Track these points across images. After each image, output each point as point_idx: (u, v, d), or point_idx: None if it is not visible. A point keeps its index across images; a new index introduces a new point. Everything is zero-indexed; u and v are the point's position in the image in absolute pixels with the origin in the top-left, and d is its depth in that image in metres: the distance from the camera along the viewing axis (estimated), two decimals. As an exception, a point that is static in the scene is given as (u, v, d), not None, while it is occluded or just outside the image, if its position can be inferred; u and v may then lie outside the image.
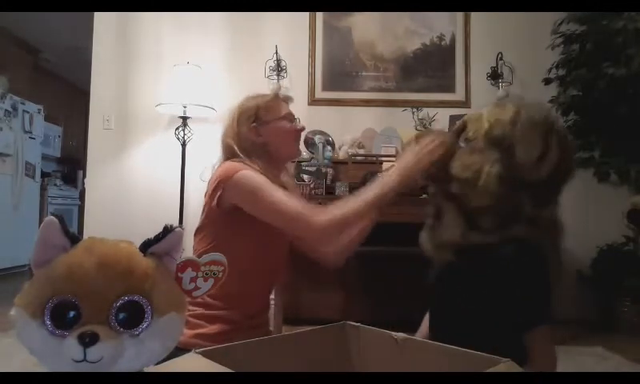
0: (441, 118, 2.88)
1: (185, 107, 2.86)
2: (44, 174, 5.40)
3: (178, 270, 0.67)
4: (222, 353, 0.64)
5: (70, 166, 6.40)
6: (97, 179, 3.16)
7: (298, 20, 3.19)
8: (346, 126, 3.10)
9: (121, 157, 3.16)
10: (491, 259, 0.92)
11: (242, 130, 1.27)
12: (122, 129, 3.17)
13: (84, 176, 3.63)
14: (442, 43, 3.20)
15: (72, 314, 0.57)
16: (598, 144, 2.90)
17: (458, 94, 3.15)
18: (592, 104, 2.80)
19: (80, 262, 0.59)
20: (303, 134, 1.99)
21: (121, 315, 0.58)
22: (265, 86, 3.03)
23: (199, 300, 1.07)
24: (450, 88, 3.16)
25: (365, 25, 3.21)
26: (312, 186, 2.67)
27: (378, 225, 1.28)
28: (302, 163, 2.71)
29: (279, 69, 3.09)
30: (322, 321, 0.88)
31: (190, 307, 1.15)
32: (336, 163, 2.89)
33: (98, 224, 3.07)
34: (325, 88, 3.19)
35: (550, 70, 2.98)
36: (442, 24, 3.19)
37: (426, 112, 2.91)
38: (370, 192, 1.11)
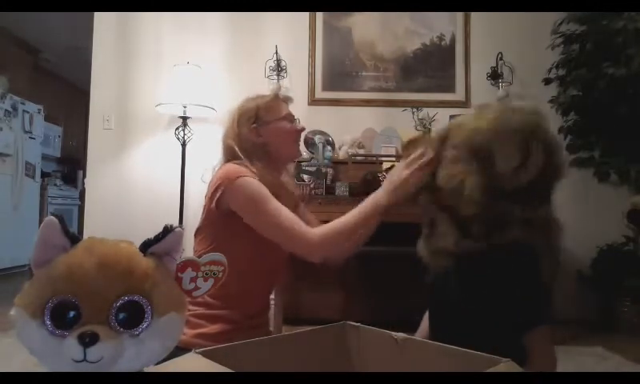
0: (441, 118, 2.88)
1: (185, 107, 2.86)
2: (44, 174, 5.40)
3: (178, 269, 0.67)
4: (221, 353, 0.64)
5: (70, 166, 6.40)
6: (97, 179, 3.16)
7: (298, 20, 3.19)
8: (346, 126, 3.10)
9: (121, 157, 3.16)
10: (486, 262, 0.92)
11: (243, 131, 1.27)
12: (122, 129, 3.17)
13: (84, 176, 3.63)
14: (442, 43, 3.20)
15: (72, 314, 0.57)
16: (598, 144, 2.90)
17: (458, 94, 3.15)
18: (592, 104, 2.81)
19: (80, 262, 0.59)
20: (303, 134, 2.00)
21: (121, 315, 0.58)
22: (265, 86, 3.03)
23: (200, 300, 1.07)
24: (450, 88, 3.16)
25: (365, 25, 3.21)
26: (312, 185, 2.67)
27: (378, 225, 1.28)
28: (302, 163, 2.71)
29: (279, 69, 3.09)
30: (322, 321, 0.88)
31: (191, 307, 1.16)
32: (336, 163, 2.89)
33: (98, 224, 3.07)
34: (325, 88, 3.19)
35: (550, 70, 2.99)
36: (441, 24, 3.19)
37: (426, 112, 2.91)
38: (363, 209, 1.14)
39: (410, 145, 1.10)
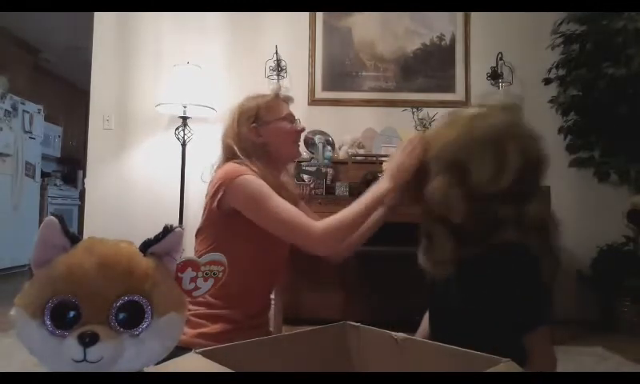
0: (441, 118, 2.88)
1: (185, 107, 2.86)
2: (44, 174, 5.40)
3: (178, 269, 0.67)
4: (221, 353, 0.64)
5: (70, 166, 6.40)
6: (97, 179, 3.16)
7: (298, 20, 3.19)
8: (346, 126, 3.10)
9: (121, 157, 3.16)
10: (484, 264, 0.92)
11: (242, 131, 1.27)
12: (122, 129, 3.17)
13: (84, 176, 3.63)
14: (442, 43, 3.20)
15: (72, 314, 0.57)
16: (598, 144, 2.91)
17: (458, 94, 3.15)
18: (592, 104, 2.81)
19: (80, 262, 0.59)
20: (303, 134, 1.99)
21: (121, 315, 0.58)
22: (265, 86, 3.03)
23: (201, 299, 1.07)
24: (450, 88, 3.16)
25: (365, 25, 3.21)
26: (312, 186, 2.67)
27: (381, 225, 1.29)
28: (302, 163, 2.70)
29: (279, 69, 3.09)
30: (322, 321, 0.88)
31: (192, 306, 1.16)
32: (336, 163, 2.89)
33: (98, 224, 3.07)
34: (325, 88, 3.19)
35: (550, 70, 2.99)
36: (441, 24, 3.19)
37: (426, 112, 2.91)
38: (366, 197, 1.14)
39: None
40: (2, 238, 4.39)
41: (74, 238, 0.62)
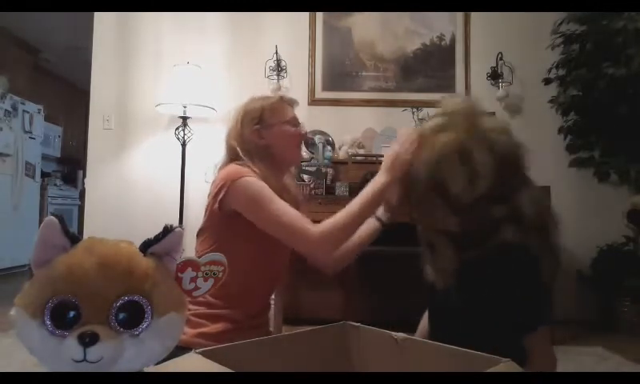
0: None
1: (185, 107, 2.86)
2: (44, 174, 5.41)
3: (178, 269, 0.67)
4: (221, 353, 0.64)
5: (70, 166, 6.40)
6: (97, 179, 3.16)
7: (298, 20, 3.19)
8: (346, 126, 3.10)
9: (121, 157, 3.16)
10: (484, 266, 0.92)
11: (245, 132, 1.27)
12: (122, 129, 3.17)
13: (84, 176, 3.63)
14: (442, 43, 3.20)
15: (72, 314, 0.57)
16: (598, 144, 2.91)
17: (458, 94, 3.14)
18: (592, 104, 2.81)
19: (80, 262, 0.59)
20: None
21: (121, 315, 0.58)
22: (265, 86, 3.04)
23: (201, 299, 1.07)
24: (450, 88, 3.16)
25: (365, 25, 3.21)
26: (312, 186, 2.67)
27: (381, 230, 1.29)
28: (302, 163, 2.71)
29: (279, 69, 3.09)
30: (322, 321, 0.88)
31: (193, 306, 1.16)
32: (336, 163, 2.89)
33: (98, 224, 3.07)
34: (325, 88, 3.19)
35: (550, 70, 2.99)
36: (442, 24, 3.19)
37: (426, 112, 2.91)
38: (364, 194, 1.13)
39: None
40: (2, 237, 4.39)
41: (74, 238, 0.62)
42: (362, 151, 3.00)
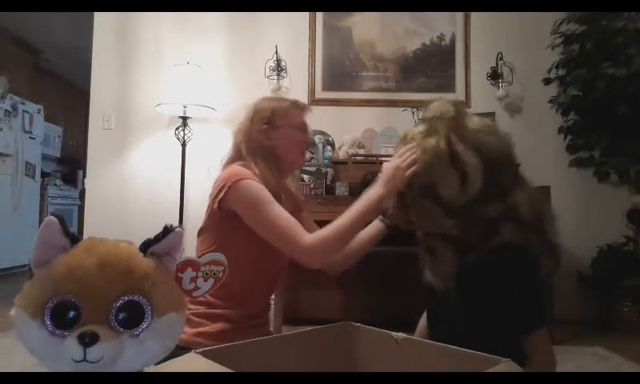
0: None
1: (185, 107, 2.86)
2: (44, 174, 5.41)
3: (178, 269, 0.67)
4: (221, 353, 0.64)
5: (70, 166, 6.40)
6: (97, 179, 3.16)
7: (298, 20, 3.19)
8: (346, 126, 3.10)
9: (121, 157, 3.16)
10: (483, 267, 0.92)
11: (253, 130, 1.27)
12: (122, 129, 3.17)
13: (84, 176, 3.63)
14: (442, 43, 3.20)
15: (72, 314, 0.57)
16: (598, 144, 2.90)
17: (458, 94, 3.14)
18: (592, 104, 2.81)
19: (80, 262, 0.59)
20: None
21: (121, 315, 0.58)
22: (265, 86, 3.04)
23: (201, 299, 1.07)
24: (450, 88, 3.16)
25: (365, 25, 3.21)
26: (312, 186, 2.67)
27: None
28: (302, 163, 2.71)
29: (279, 69, 3.09)
30: (322, 321, 0.88)
31: (193, 306, 1.16)
32: (336, 163, 2.89)
33: (98, 224, 3.07)
34: (325, 88, 3.19)
35: (550, 70, 2.99)
36: (441, 24, 3.19)
37: (426, 112, 2.91)
38: (358, 206, 1.13)
39: (405, 137, 1.10)
40: (2, 237, 4.39)
41: (74, 238, 0.62)
42: (361, 151, 3.00)
